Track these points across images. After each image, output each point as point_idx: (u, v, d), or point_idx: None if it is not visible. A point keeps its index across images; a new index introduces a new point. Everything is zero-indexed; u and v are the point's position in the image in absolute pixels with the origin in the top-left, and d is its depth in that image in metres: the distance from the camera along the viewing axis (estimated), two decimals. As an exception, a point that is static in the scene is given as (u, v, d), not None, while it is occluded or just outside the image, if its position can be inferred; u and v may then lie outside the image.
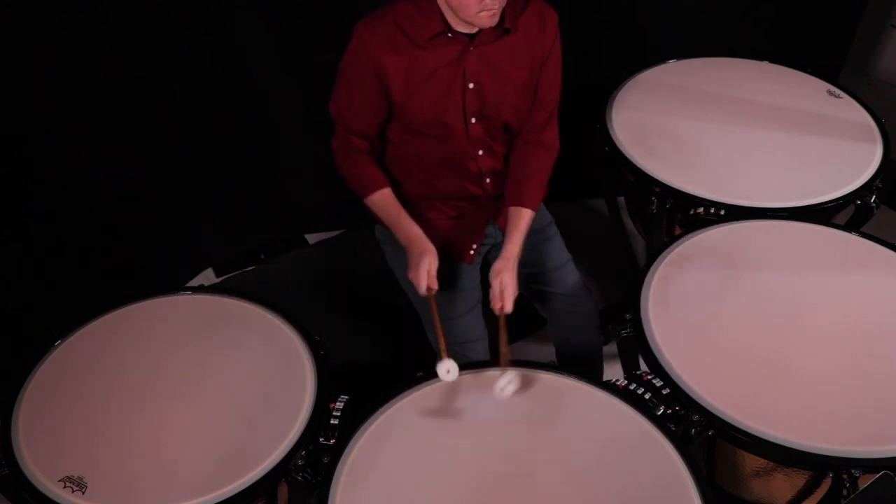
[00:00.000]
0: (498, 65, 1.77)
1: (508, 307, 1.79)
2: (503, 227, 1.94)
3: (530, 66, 1.81)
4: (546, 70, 1.83)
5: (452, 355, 2.00)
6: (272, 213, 2.98)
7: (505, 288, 1.79)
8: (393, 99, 1.76)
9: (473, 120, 1.81)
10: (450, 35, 1.71)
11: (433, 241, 1.85)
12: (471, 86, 1.76)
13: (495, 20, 1.67)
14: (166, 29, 2.34)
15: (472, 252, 1.97)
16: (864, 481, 1.46)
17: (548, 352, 2.31)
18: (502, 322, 1.77)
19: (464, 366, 1.71)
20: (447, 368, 1.67)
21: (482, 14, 1.63)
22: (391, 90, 1.74)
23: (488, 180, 1.93)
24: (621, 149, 2.23)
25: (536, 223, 2.03)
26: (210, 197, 2.78)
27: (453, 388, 1.68)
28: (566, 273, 2.07)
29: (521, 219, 1.87)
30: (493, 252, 2.05)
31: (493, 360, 1.76)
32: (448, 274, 1.94)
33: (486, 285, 2.05)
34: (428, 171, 1.89)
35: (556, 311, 2.14)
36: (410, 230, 1.83)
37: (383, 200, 1.87)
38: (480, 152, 1.87)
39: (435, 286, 1.80)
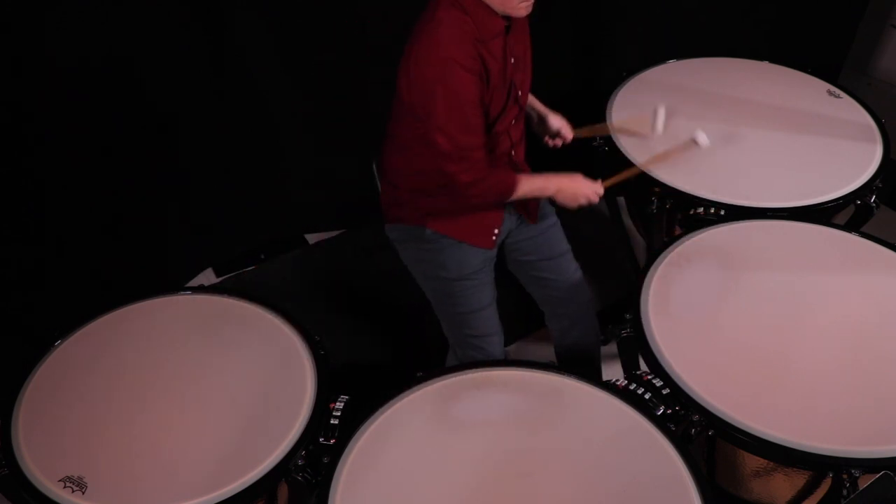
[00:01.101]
0: (520, 36, 1.83)
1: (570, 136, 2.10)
2: (517, 209, 2.01)
3: (527, 24, 1.87)
4: None
5: (470, 349, 2.02)
6: (272, 213, 2.98)
7: (564, 122, 2.08)
8: (485, 98, 1.77)
9: (520, 93, 1.87)
10: (507, 25, 1.75)
11: (457, 223, 1.92)
12: (512, 60, 1.80)
13: (530, 10, 1.72)
14: (166, 29, 2.35)
15: (493, 237, 1.98)
16: (864, 481, 1.46)
17: (548, 352, 2.31)
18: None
19: (468, 365, 1.72)
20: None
21: (522, 5, 1.69)
22: (488, 87, 1.75)
23: (513, 153, 1.96)
24: (621, 149, 2.23)
25: (540, 210, 2.08)
26: (210, 197, 2.78)
27: (453, 387, 1.67)
28: (565, 261, 2.11)
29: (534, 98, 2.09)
30: (509, 238, 2.06)
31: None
32: (469, 266, 1.97)
33: (499, 283, 2.06)
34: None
35: (553, 299, 2.16)
36: (555, 179, 1.92)
37: (526, 182, 1.88)
38: (514, 122, 1.91)
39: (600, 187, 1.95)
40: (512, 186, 1.86)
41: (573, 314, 2.18)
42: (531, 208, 2.04)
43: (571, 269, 2.13)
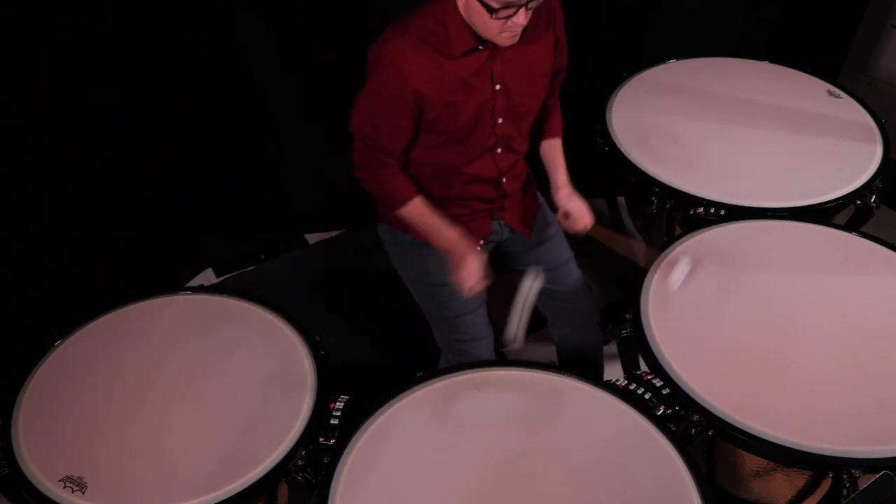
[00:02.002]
0: (521, 62, 1.77)
1: (590, 220, 1.93)
2: (510, 223, 1.97)
3: (546, 51, 1.82)
4: (560, 47, 1.85)
5: (458, 353, 2.01)
6: (272, 213, 2.98)
7: (581, 208, 1.92)
8: (426, 116, 1.74)
9: (500, 120, 1.81)
10: (481, 48, 1.70)
11: None
12: (498, 87, 1.76)
13: (516, 40, 1.67)
14: (166, 29, 2.35)
15: (478, 248, 1.97)
16: (864, 481, 1.46)
17: (548, 352, 2.31)
18: (599, 231, 1.92)
19: (468, 365, 1.72)
20: None
21: (504, 35, 1.64)
22: (425, 109, 1.72)
23: (504, 180, 1.93)
24: (621, 149, 2.23)
25: (539, 221, 2.05)
26: (210, 197, 2.78)
27: (453, 387, 1.67)
28: (568, 271, 2.08)
29: (559, 150, 1.97)
30: (498, 248, 2.05)
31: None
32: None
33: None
34: (445, 176, 1.88)
35: (556, 308, 2.14)
36: (449, 233, 1.81)
37: (419, 209, 1.83)
38: (499, 151, 1.87)
39: (482, 285, 1.79)
40: (398, 200, 1.83)
41: (574, 321, 2.16)
42: (526, 221, 2.01)
43: (573, 279, 2.09)
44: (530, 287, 1.74)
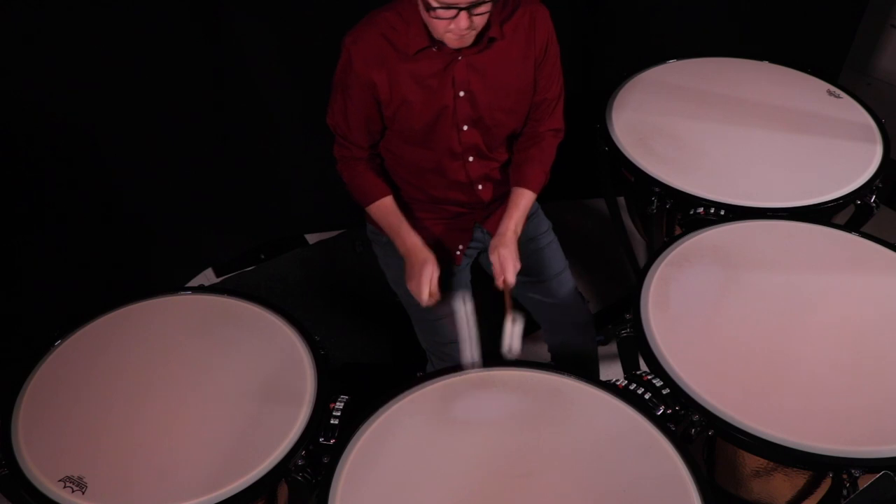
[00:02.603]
0: (489, 72, 1.75)
1: (511, 279, 1.79)
2: (491, 231, 1.93)
3: (524, 68, 1.79)
4: (543, 68, 1.82)
5: (441, 356, 2.00)
6: (272, 213, 2.98)
7: (504, 261, 1.79)
8: (384, 112, 1.77)
9: (465, 127, 1.80)
10: (435, 49, 1.70)
11: (421, 236, 1.87)
12: (461, 94, 1.75)
13: (466, 42, 1.66)
14: (166, 29, 2.35)
15: (458, 253, 1.97)
16: (864, 481, 1.46)
17: (547, 352, 2.31)
18: (508, 297, 1.77)
19: (453, 368, 1.72)
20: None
21: (448, 36, 1.63)
22: (381, 102, 1.75)
23: (480, 187, 1.92)
24: (621, 149, 2.23)
25: (533, 230, 2.02)
26: (210, 197, 2.78)
27: (453, 387, 1.67)
28: (562, 282, 2.06)
29: (521, 197, 1.86)
30: (483, 255, 2.05)
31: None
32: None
33: (477, 286, 2.05)
34: (417, 177, 1.89)
35: (550, 320, 2.13)
36: (410, 240, 1.82)
37: (384, 209, 1.86)
38: (471, 159, 1.86)
39: (436, 296, 1.78)
40: (367, 197, 1.86)
41: (568, 332, 2.13)
42: (493, 220, 1.95)
43: (565, 291, 2.06)
44: (464, 311, 1.70)
